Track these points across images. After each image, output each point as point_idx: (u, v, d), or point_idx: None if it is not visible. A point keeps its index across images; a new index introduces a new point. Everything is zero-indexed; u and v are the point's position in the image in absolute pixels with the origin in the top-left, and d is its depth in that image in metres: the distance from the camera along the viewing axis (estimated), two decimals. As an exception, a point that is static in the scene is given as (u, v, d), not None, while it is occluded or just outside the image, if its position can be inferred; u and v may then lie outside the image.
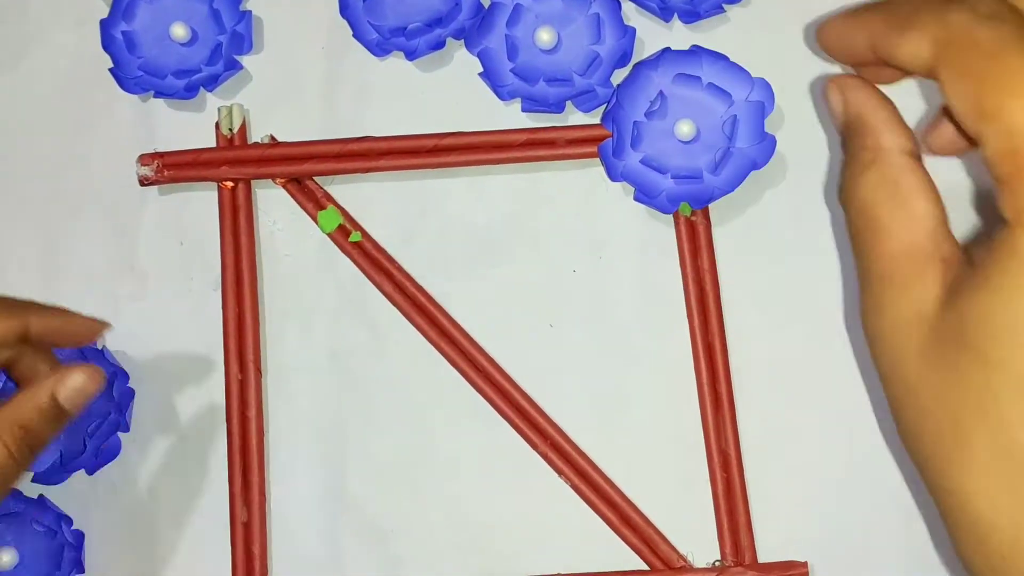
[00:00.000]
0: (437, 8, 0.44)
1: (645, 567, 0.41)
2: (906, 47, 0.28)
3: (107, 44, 0.44)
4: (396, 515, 0.42)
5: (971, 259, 0.29)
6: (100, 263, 0.45)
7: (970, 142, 0.28)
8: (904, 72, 0.31)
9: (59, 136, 0.45)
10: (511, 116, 0.44)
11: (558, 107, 0.43)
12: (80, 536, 0.43)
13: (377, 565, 0.42)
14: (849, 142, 0.31)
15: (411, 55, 0.44)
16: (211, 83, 0.44)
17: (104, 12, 0.45)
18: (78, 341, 0.39)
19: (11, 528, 0.42)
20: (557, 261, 0.43)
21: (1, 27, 0.46)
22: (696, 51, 0.42)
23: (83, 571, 0.43)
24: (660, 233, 0.43)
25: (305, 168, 0.43)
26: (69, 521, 0.42)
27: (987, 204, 0.42)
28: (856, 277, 0.32)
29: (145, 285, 0.44)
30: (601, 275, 0.43)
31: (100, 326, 0.39)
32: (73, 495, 0.43)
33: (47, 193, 0.45)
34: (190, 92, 0.44)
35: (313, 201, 0.44)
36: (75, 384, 0.35)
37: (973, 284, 0.27)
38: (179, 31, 0.43)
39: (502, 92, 0.43)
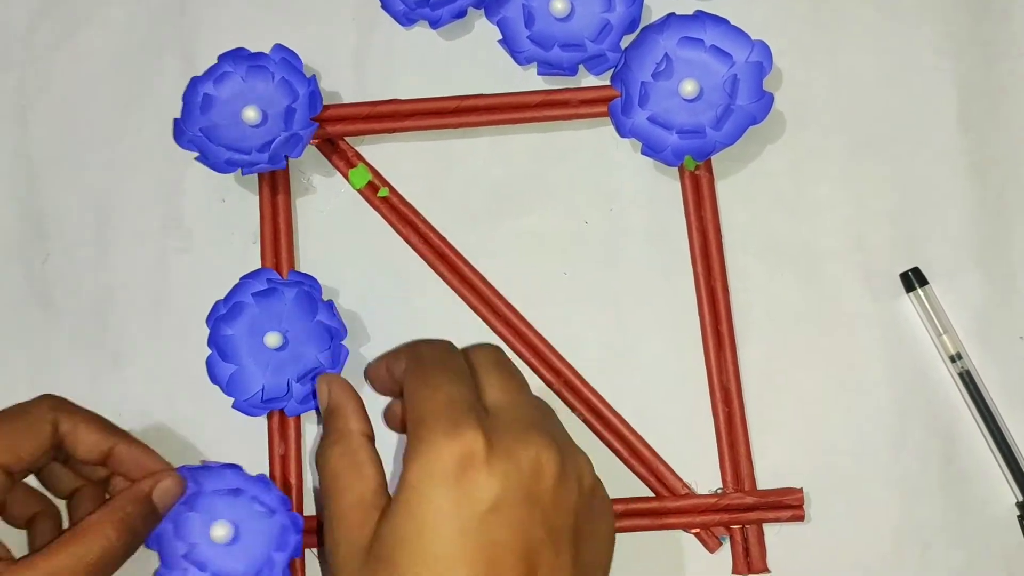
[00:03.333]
0: (459, -21, 0.47)
1: (652, 494, 0.44)
2: (398, 365, 0.41)
3: (188, 140, 0.46)
4: (422, 448, 0.46)
5: None
6: (150, 220, 0.48)
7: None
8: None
9: (111, 104, 0.49)
10: (528, 80, 0.47)
11: (571, 70, 0.46)
12: (299, 520, 0.43)
13: (404, 494, 0.45)
14: (326, 423, 0.42)
15: (435, 24, 0.47)
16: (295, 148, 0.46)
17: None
18: (142, 476, 0.42)
19: (229, 503, 0.43)
20: (570, 213, 0.46)
21: (57, 5, 0.50)
22: (699, 16, 0.45)
23: (300, 555, 0.44)
24: (666, 185, 0.46)
25: (337, 129, 0.47)
26: (288, 503, 0.44)
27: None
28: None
29: (191, 239, 0.48)
30: (612, 226, 0.46)
31: (168, 476, 0.42)
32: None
33: (102, 157, 0.49)
34: (275, 162, 0.45)
35: (344, 160, 0.47)
36: (166, 487, 0.42)
37: (387, 513, 0.37)
38: (251, 114, 0.45)
39: (519, 57, 0.46)
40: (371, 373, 0.45)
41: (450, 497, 0.35)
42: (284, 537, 0.43)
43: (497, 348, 0.41)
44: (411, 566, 0.34)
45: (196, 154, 0.46)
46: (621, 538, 0.44)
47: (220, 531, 0.42)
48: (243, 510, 0.43)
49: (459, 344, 0.42)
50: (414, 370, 0.39)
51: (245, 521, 0.43)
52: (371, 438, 0.41)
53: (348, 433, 0.40)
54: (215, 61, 0.46)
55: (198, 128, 0.46)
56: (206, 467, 0.44)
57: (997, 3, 0.46)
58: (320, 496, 0.39)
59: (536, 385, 0.45)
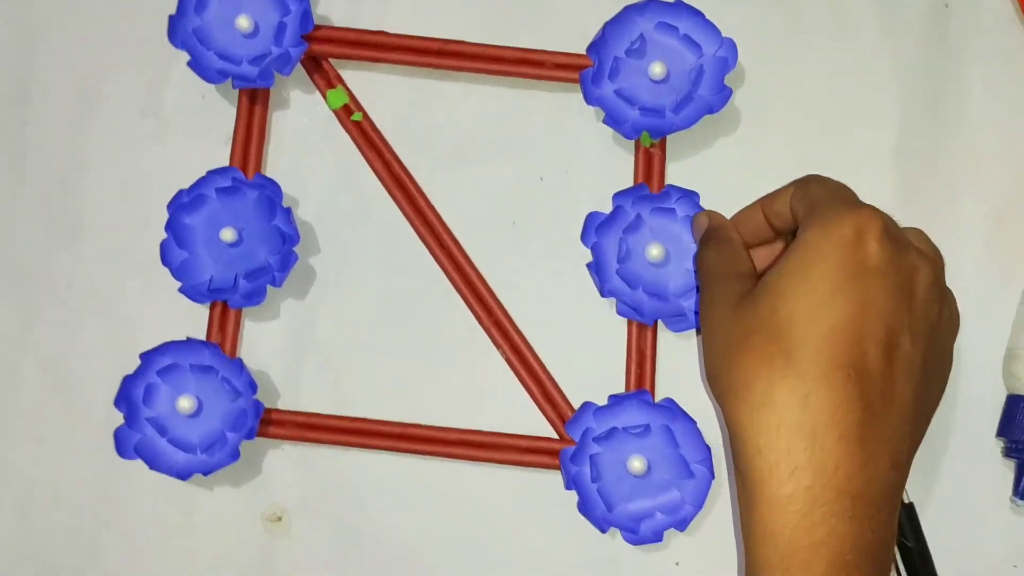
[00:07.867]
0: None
1: (556, 437, 0.47)
2: (781, 197, 0.43)
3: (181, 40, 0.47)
4: (351, 358, 0.48)
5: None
6: (130, 105, 0.50)
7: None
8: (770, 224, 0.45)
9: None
10: (510, 38, 0.49)
11: None
12: (260, 406, 0.46)
13: (329, 399, 0.48)
14: (707, 234, 0.45)
15: (433, -32, 0.49)
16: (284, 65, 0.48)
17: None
18: None
19: (199, 378, 0.46)
20: (529, 168, 0.49)
21: None
22: (679, 5, 0.47)
23: (253, 438, 0.46)
24: (621, 157, 0.49)
25: (323, 49, 0.49)
26: (255, 389, 0.46)
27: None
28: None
29: (167, 129, 0.50)
30: (564, 185, 0.49)
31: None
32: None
33: (95, 35, 0.50)
34: (265, 79, 0.47)
35: (325, 80, 0.50)
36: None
37: (776, 264, 0.41)
38: (244, 23, 0.47)
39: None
40: (727, 220, 0.46)
41: (840, 254, 0.38)
42: (242, 419, 0.45)
43: None
44: (792, 293, 0.39)
45: (187, 57, 0.48)
46: (522, 473, 0.47)
47: (185, 403, 0.45)
48: (211, 387, 0.46)
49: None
50: (813, 178, 0.43)
51: (210, 398, 0.46)
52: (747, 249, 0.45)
53: (728, 239, 0.44)
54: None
55: (191, 28, 0.48)
56: (188, 342, 0.46)
57: (952, 42, 0.49)
58: (699, 273, 0.44)
59: (467, 320, 0.48)
